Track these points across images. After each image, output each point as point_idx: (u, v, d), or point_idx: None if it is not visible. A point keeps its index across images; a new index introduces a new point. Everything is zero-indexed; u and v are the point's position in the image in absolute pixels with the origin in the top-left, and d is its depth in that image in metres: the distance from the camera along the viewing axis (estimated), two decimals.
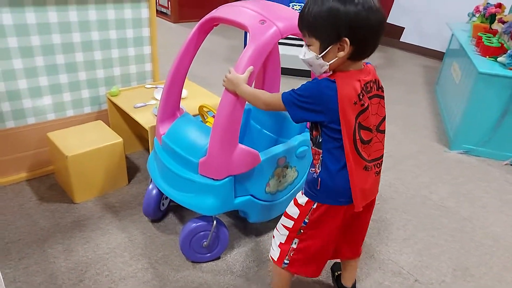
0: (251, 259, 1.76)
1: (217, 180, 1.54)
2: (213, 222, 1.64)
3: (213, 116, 1.88)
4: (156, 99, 2.27)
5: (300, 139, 1.82)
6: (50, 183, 2.16)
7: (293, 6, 4.00)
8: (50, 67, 2.05)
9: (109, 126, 2.24)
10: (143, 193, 2.15)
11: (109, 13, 2.14)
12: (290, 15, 1.66)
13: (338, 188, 1.18)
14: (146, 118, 2.06)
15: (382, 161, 1.25)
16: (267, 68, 2.04)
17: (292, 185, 1.86)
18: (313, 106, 1.13)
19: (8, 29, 1.84)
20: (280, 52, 2.07)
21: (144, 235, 1.86)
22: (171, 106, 1.79)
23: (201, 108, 1.91)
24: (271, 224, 1.96)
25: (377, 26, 1.07)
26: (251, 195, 1.67)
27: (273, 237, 1.39)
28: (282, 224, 1.34)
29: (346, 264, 1.53)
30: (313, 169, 1.24)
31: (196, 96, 2.39)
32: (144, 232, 1.87)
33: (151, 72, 2.50)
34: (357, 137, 1.14)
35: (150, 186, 1.90)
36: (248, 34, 1.52)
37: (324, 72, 1.16)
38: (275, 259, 1.36)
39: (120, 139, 2.08)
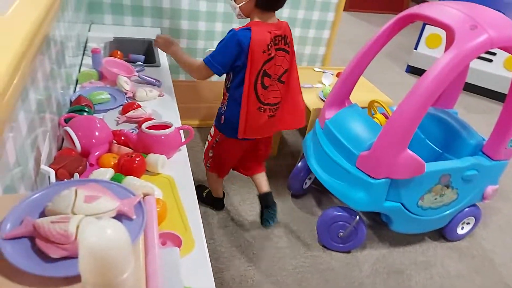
0: (381, 265, 1.73)
1: (374, 178, 1.53)
2: (355, 216, 1.64)
3: (383, 114, 1.85)
4: (323, 84, 2.32)
5: (471, 161, 1.66)
6: None
7: None
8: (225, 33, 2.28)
9: None
10: (288, 166, 2.28)
11: None
12: (505, 23, 1.49)
13: (236, 125, 1.46)
14: (311, 99, 2.14)
15: (277, 107, 1.51)
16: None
17: (448, 207, 1.72)
18: (232, 50, 1.33)
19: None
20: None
21: (283, 204, 1.98)
22: (342, 94, 1.82)
23: (371, 103, 1.89)
24: (409, 237, 1.88)
25: None
26: (402, 204, 1.62)
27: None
28: (209, 134, 1.66)
29: (255, 177, 1.80)
30: (221, 106, 1.51)
31: (362, 90, 2.36)
32: (284, 203, 2.00)
33: (323, 56, 2.56)
34: (259, 81, 1.39)
35: (299, 164, 1.99)
36: (448, 36, 1.42)
37: (240, 17, 1.42)
38: (204, 167, 1.77)
39: None
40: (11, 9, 0.79)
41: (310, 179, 2.04)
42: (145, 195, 0.62)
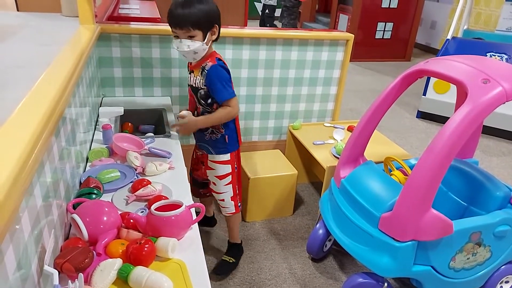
0: None
1: (399, 241, 1.43)
2: (383, 283, 1.52)
3: (400, 170, 1.78)
4: (335, 139, 2.30)
5: (502, 215, 1.56)
6: None
7: (491, 57, 3.56)
8: (250, 97, 2.31)
9: (284, 155, 2.37)
10: (306, 226, 2.19)
11: (308, 54, 2.30)
12: None
13: (236, 136, 1.67)
14: (324, 157, 2.10)
15: None
16: None
17: (482, 266, 1.59)
18: (228, 76, 1.54)
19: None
20: None
21: (303, 271, 1.87)
22: (356, 151, 1.78)
23: (387, 159, 1.84)
24: None
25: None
26: (432, 267, 1.50)
27: (222, 200, 1.75)
28: (224, 185, 1.71)
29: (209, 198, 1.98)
30: (217, 131, 1.61)
31: (374, 143, 2.32)
32: (304, 269, 1.88)
33: (332, 111, 2.56)
34: None
35: (318, 225, 1.91)
36: (458, 89, 1.39)
37: (199, 57, 1.52)
38: (235, 210, 1.78)
39: (295, 172, 2.18)
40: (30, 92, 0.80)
41: (330, 240, 1.94)
42: None
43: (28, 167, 0.65)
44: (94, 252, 0.94)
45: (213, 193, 1.77)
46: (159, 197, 1.17)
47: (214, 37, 1.50)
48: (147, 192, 1.21)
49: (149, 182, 1.26)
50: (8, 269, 0.64)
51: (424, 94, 3.84)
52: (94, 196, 1.14)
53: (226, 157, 1.66)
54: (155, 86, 2.13)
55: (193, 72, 1.57)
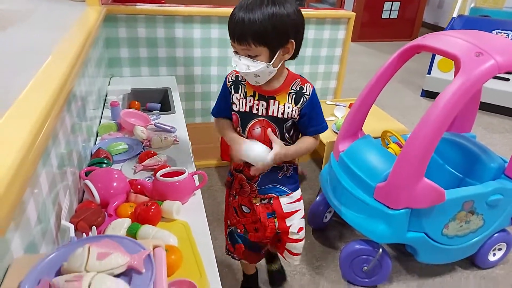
0: None
1: (393, 209, 1.50)
2: (378, 249, 1.60)
3: (397, 143, 1.84)
4: (336, 116, 2.35)
5: (494, 185, 1.61)
6: None
7: (497, 34, 3.53)
8: None
9: None
10: (308, 200, 2.26)
11: (310, 33, 2.33)
12: (510, 46, 1.49)
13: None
14: (325, 133, 2.15)
15: None
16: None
17: (475, 233, 1.66)
18: None
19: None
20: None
21: (305, 241, 1.95)
22: (355, 126, 1.83)
23: (385, 133, 1.89)
24: (438, 268, 1.81)
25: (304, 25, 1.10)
26: (425, 234, 1.57)
27: (300, 240, 1.42)
28: (300, 226, 1.38)
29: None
30: (291, 165, 1.28)
31: (375, 118, 2.37)
32: (306, 239, 1.97)
33: (334, 89, 2.60)
34: None
35: (318, 198, 1.99)
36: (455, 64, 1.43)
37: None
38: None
39: None
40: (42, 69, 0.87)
41: (330, 212, 2.02)
42: (155, 247, 0.65)
43: (43, 134, 0.72)
44: (105, 213, 1.03)
45: (301, 242, 1.42)
46: (164, 167, 1.25)
47: (288, 56, 1.09)
48: (153, 162, 1.30)
49: (155, 154, 1.34)
50: (31, 221, 0.73)
51: (429, 73, 3.84)
52: (104, 165, 1.23)
53: (297, 192, 1.34)
54: (160, 65, 2.19)
55: (269, 99, 1.14)
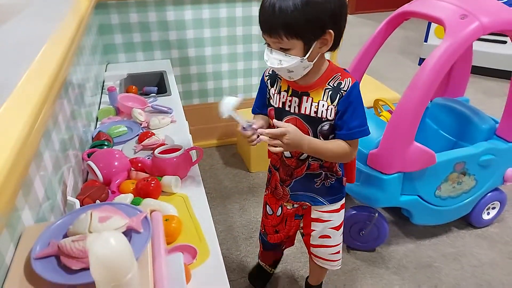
0: (409, 260, 1.73)
1: (386, 174, 1.56)
2: (374, 214, 1.67)
3: (389, 111, 1.88)
4: None
5: (486, 146, 1.66)
6: (233, 151, 2.56)
7: None
8: (247, 54, 2.39)
9: None
10: None
11: None
12: (496, 8, 1.51)
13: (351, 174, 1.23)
14: None
15: None
16: (455, 67, 1.89)
17: (468, 194, 1.72)
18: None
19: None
20: (473, 48, 1.89)
21: None
22: None
23: (376, 101, 1.93)
24: (435, 229, 1.87)
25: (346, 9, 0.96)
26: (419, 196, 1.63)
27: (337, 253, 1.33)
28: (340, 235, 1.30)
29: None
30: (332, 174, 1.16)
31: (369, 89, 2.40)
32: None
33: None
34: None
35: None
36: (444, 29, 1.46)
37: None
38: (340, 263, 1.37)
39: None
40: (36, 60, 0.92)
41: None
42: (152, 211, 0.71)
43: (42, 116, 0.78)
44: (109, 190, 1.10)
45: (323, 248, 1.31)
46: (162, 145, 1.31)
47: (326, 48, 0.95)
48: (152, 141, 1.36)
49: (153, 134, 1.40)
50: (38, 196, 0.80)
51: (426, 40, 3.82)
52: (105, 147, 1.29)
53: (342, 201, 1.24)
54: (154, 49, 2.22)
55: (302, 95, 1.03)
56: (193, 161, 1.24)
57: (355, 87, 1.00)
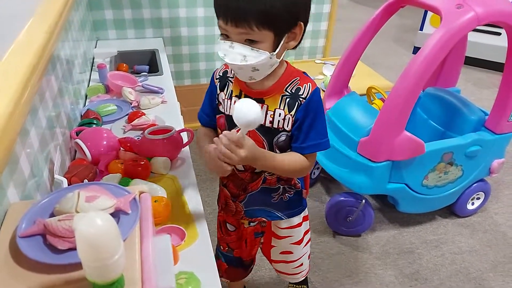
0: (392, 246, 1.77)
1: (374, 162, 1.57)
2: (361, 200, 1.69)
3: (381, 99, 1.88)
4: (324, 74, 2.37)
5: (473, 137, 1.68)
6: None
7: None
8: None
9: None
10: None
11: None
12: None
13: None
14: None
15: None
16: (448, 57, 1.89)
17: (453, 184, 1.75)
18: None
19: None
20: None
21: None
22: (340, 83, 1.87)
23: (369, 89, 1.93)
24: (419, 217, 1.91)
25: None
26: (406, 184, 1.65)
27: (300, 266, 1.24)
28: (303, 247, 1.20)
29: None
30: (291, 188, 1.04)
31: (362, 76, 2.39)
32: None
33: (323, 48, 2.60)
34: None
35: None
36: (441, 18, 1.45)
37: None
38: (308, 267, 1.31)
39: None
40: (21, 35, 0.89)
41: (318, 168, 2.10)
42: (140, 193, 0.70)
43: (29, 91, 0.76)
44: (97, 169, 1.09)
45: (284, 263, 1.23)
46: (153, 126, 1.29)
47: (293, 44, 0.84)
48: (142, 121, 1.34)
49: (143, 114, 1.38)
50: (24, 172, 0.78)
51: (421, 29, 3.81)
52: (94, 125, 1.27)
53: (304, 213, 1.14)
54: (146, 27, 2.17)
55: (262, 101, 0.88)
56: (184, 143, 1.23)
57: (315, 94, 0.87)
